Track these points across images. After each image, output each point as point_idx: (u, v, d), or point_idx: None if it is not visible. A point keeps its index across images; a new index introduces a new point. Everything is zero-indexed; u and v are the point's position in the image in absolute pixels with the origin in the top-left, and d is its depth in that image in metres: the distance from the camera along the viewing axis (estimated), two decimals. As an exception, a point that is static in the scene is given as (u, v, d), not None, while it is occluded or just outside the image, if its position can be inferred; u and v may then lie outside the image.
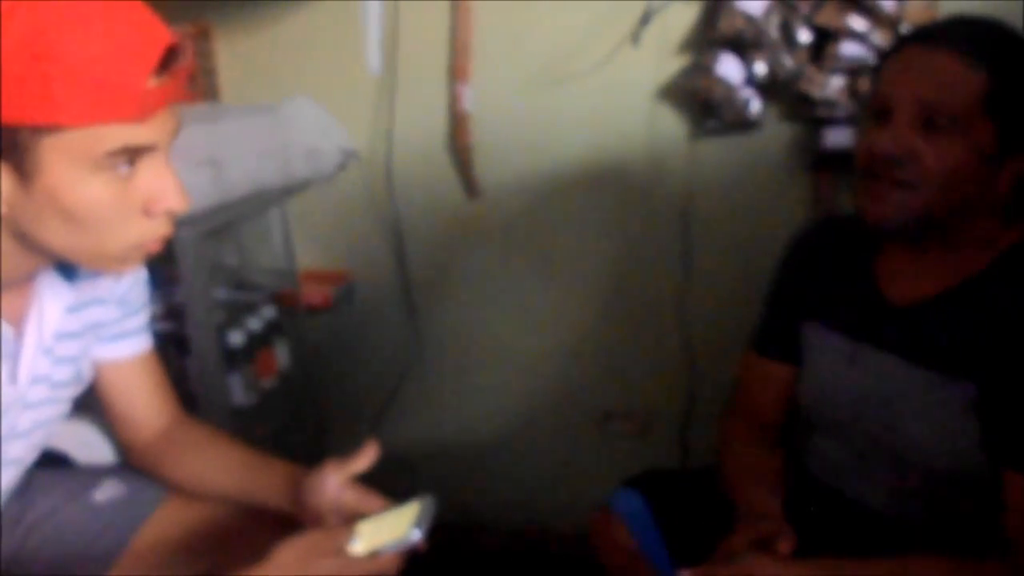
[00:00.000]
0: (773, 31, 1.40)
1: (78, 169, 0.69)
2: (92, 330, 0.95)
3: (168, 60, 0.71)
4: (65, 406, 0.96)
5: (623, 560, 1.12)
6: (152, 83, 0.69)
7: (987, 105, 0.86)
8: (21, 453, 0.92)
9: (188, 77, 0.75)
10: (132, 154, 0.72)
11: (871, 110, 0.94)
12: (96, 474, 1.11)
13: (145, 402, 1.05)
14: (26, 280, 0.83)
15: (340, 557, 0.81)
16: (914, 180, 0.89)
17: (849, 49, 1.37)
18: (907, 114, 0.88)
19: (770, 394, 1.17)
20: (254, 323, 1.58)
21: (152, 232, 0.77)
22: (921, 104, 0.87)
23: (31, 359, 0.86)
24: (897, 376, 0.97)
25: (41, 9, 0.65)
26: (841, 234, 1.10)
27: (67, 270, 0.88)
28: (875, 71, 0.97)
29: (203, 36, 1.70)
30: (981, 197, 0.90)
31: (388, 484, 0.96)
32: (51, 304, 0.87)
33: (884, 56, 0.96)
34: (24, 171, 0.69)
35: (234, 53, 1.72)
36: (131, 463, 1.10)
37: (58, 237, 0.73)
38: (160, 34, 0.70)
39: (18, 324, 0.85)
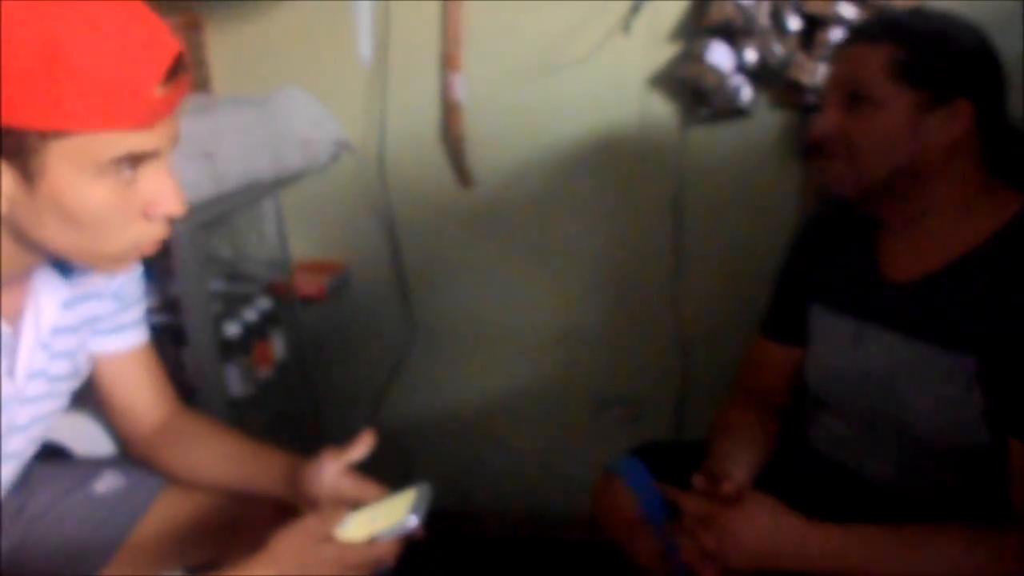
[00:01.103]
0: (763, 18, 1.40)
1: (82, 173, 0.70)
2: (88, 324, 0.96)
3: (175, 68, 0.71)
4: (63, 400, 0.97)
5: (625, 523, 1.15)
6: (160, 91, 0.70)
7: (893, 73, 0.94)
8: (20, 447, 0.93)
9: (190, 83, 0.75)
10: (136, 160, 0.73)
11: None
12: (95, 466, 1.12)
13: (143, 394, 1.06)
14: (23, 277, 0.84)
15: (338, 544, 0.83)
16: (845, 152, 0.99)
17: (839, 36, 1.37)
18: (832, 98, 1.00)
19: (776, 376, 1.21)
20: (250, 314, 1.59)
21: (149, 235, 0.78)
22: (840, 87, 0.99)
23: (28, 354, 0.87)
24: (900, 352, 1.00)
25: (54, 15, 0.65)
26: (844, 220, 1.14)
27: (63, 266, 0.88)
28: None
29: (194, 27, 1.69)
30: (917, 157, 0.95)
31: (385, 471, 0.97)
32: (47, 300, 0.87)
33: None
34: (28, 172, 0.69)
35: (225, 44, 1.71)
36: (130, 455, 1.11)
37: (57, 237, 0.74)
38: (169, 43, 0.71)
39: (15, 320, 0.86)
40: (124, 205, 0.74)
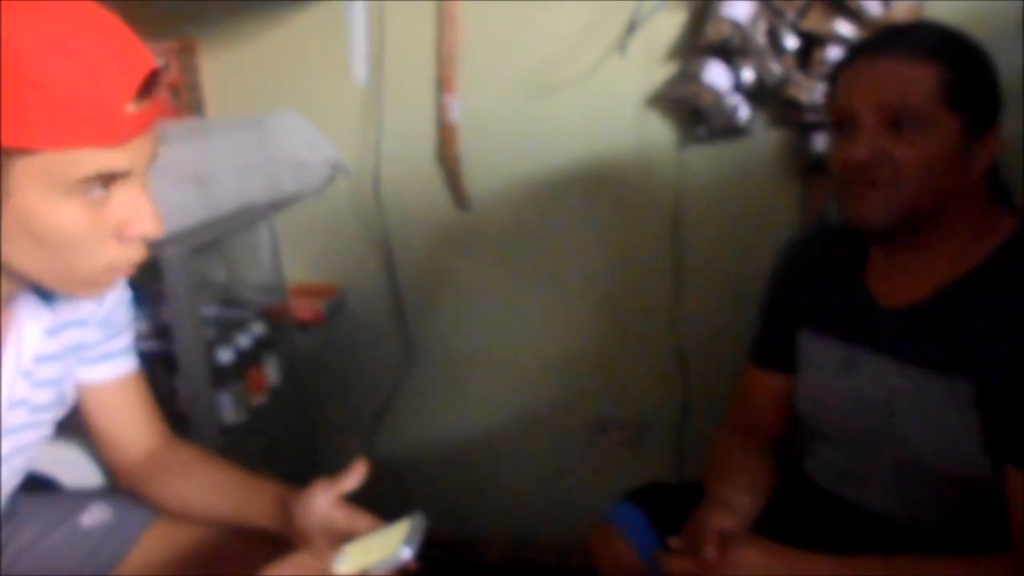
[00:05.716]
0: (760, 37, 1.39)
1: (51, 193, 0.68)
2: (73, 352, 0.93)
3: (148, 85, 0.70)
4: (47, 430, 0.94)
5: (624, 574, 1.12)
6: (131, 108, 0.68)
7: (946, 97, 0.89)
8: (2, 479, 0.90)
9: (167, 102, 0.74)
10: (106, 179, 0.70)
11: (834, 123, 0.97)
12: (83, 498, 1.10)
13: (131, 425, 1.04)
14: (2, 304, 0.82)
15: (329, 579, 0.80)
16: (891, 180, 0.91)
17: (836, 54, 1.37)
18: (871, 121, 0.91)
19: (769, 405, 1.18)
20: (243, 340, 1.57)
21: (125, 258, 0.76)
22: (883, 109, 0.91)
23: (9, 383, 0.85)
24: (894, 379, 0.98)
25: (20, 30, 0.64)
26: (829, 242, 1.11)
27: (45, 292, 0.86)
28: (831, 84, 0.99)
29: (188, 51, 1.69)
30: (958, 186, 0.92)
31: (381, 498, 0.95)
32: (29, 327, 0.85)
33: (836, 70, 0.98)
34: None
35: (219, 68, 1.71)
36: (119, 486, 1.08)
37: (27, 260, 0.72)
38: (142, 59, 0.69)
39: (-5, 348, 0.84)
40: (95, 226, 0.72)
